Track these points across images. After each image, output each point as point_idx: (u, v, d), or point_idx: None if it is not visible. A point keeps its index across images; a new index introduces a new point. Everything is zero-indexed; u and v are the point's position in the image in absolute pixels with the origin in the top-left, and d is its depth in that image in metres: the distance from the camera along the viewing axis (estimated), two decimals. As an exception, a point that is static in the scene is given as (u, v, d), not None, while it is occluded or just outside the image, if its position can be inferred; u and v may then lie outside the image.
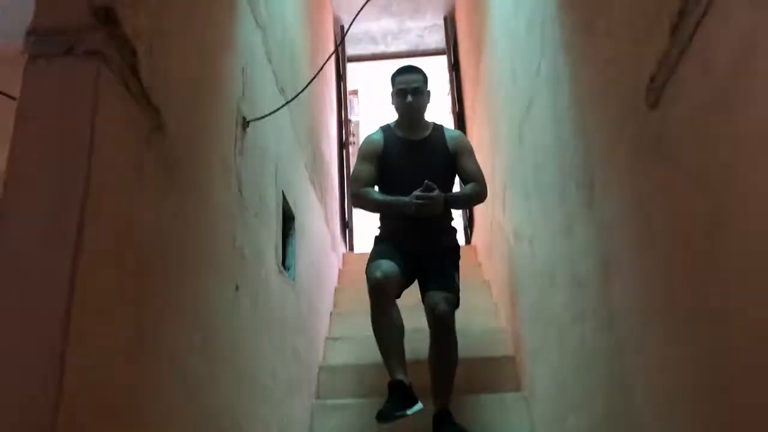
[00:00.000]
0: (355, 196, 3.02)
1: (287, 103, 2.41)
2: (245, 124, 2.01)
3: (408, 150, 3.01)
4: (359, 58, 6.08)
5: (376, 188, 3.00)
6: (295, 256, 2.84)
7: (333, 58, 5.33)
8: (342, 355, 3.59)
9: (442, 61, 6.10)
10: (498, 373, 3.29)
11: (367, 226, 6.95)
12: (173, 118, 1.40)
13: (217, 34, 1.83)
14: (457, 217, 7.38)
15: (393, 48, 5.92)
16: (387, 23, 5.62)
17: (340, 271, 4.66)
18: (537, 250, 2.56)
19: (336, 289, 4.32)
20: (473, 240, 5.12)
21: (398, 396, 2.56)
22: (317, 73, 2.37)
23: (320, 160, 4.00)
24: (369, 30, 5.70)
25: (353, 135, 5.65)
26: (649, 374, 1.44)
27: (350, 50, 5.92)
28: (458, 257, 3.05)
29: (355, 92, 8.51)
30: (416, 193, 2.74)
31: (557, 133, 2.12)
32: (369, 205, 2.98)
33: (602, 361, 1.78)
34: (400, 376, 2.61)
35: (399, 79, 3.03)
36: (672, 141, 1.23)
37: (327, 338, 3.69)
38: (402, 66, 3.13)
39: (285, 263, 2.76)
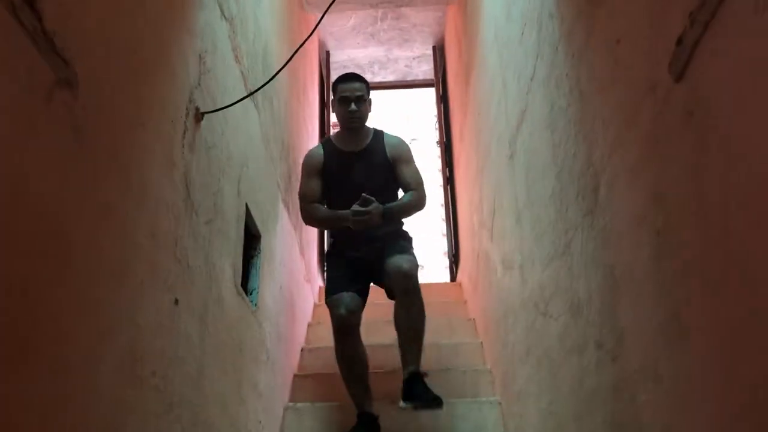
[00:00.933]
0: (302, 212, 3.04)
1: (250, 95, 2.16)
2: (199, 115, 1.76)
3: (348, 162, 2.99)
4: (345, 87, 5.89)
5: (325, 202, 3.01)
6: (260, 280, 2.55)
7: (317, 83, 5.13)
8: (311, 395, 3.28)
9: (431, 93, 5.93)
10: (482, 418, 2.99)
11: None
12: (92, 79, 1.14)
13: (166, 2, 1.59)
14: (441, 254, 7.15)
15: (380, 78, 5.73)
16: (374, 51, 5.44)
17: (315, 305, 4.36)
18: (528, 278, 2.30)
19: (310, 325, 4.01)
20: (458, 276, 4.85)
21: (365, 427, 2.70)
22: (288, 61, 2.12)
23: (297, 183, 3.73)
24: (355, 58, 5.52)
25: (335, 163, 5.40)
26: (670, 410, 1.16)
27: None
28: (411, 242, 3.04)
29: (340, 125, 8.37)
30: (354, 207, 2.75)
31: (554, 139, 1.88)
32: (314, 222, 3.08)
33: (606, 398, 1.50)
34: (368, 409, 2.75)
35: (342, 86, 3.00)
36: (705, 113, 0.99)
37: (296, 375, 3.37)
38: (344, 74, 3.12)
39: (247, 286, 2.47)
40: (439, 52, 5.44)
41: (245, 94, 2.31)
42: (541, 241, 2.09)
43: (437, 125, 5.81)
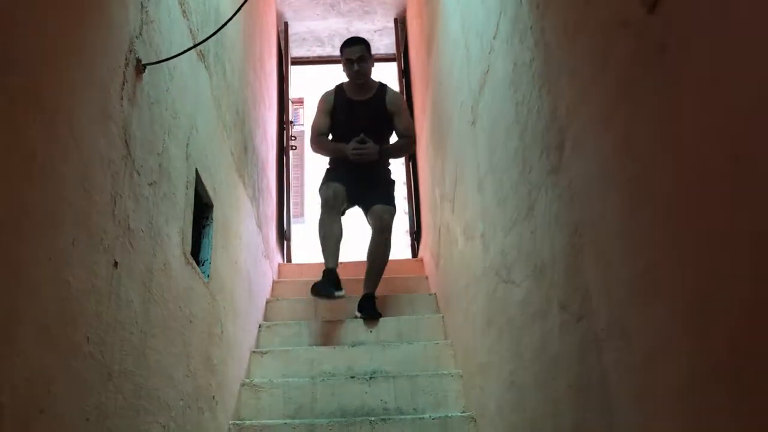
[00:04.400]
0: (311, 141, 3.90)
1: (196, 45, 2.03)
2: (140, 67, 1.63)
3: (352, 109, 3.81)
4: (304, 61, 5.73)
5: (330, 136, 3.88)
6: (212, 251, 2.44)
7: (275, 55, 4.98)
8: (269, 371, 3.19)
9: (393, 68, 5.82)
10: (443, 390, 2.93)
11: (306, 238, 6.56)
12: (10, 12, 1.02)
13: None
14: (403, 232, 7.08)
15: (340, 51, 5.58)
16: (334, 23, 5.30)
17: (274, 282, 4.26)
18: (490, 245, 2.23)
19: (268, 301, 3.91)
20: (420, 252, 4.79)
21: (330, 279, 3.47)
22: (243, 3, 1.98)
23: (253, 155, 3.61)
24: (315, 30, 5.37)
25: (294, 138, 5.26)
26: (639, 368, 1.10)
27: (295, 51, 5.57)
28: (394, 186, 3.87)
29: (300, 101, 8.14)
30: (352, 143, 3.63)
31: (516, 98, 1.81)
32: (321, 150, 3.88)
33: (571, 361, 1.44)
34: (332, 265, 3.52)
35: (346, 50, 3.80)
36: (681, 45, 0.91)
37: (253, 352, 3.27)
38: (348, 38, 3.94)
39: (198, 257, 2.36)
40: (401, 25, 5.34)
41: (194, 53, 2.19)
42: (503, 206, 2.02)
43: (399, 100, 5.70)
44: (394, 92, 3.98)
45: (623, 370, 1.16)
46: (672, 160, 0.96)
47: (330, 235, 3.59)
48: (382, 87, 3.90)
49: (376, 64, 6.21)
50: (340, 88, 3.93)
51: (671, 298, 0.98)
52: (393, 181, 3.90)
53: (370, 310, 3.53)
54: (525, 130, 1.75)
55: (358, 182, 3.69)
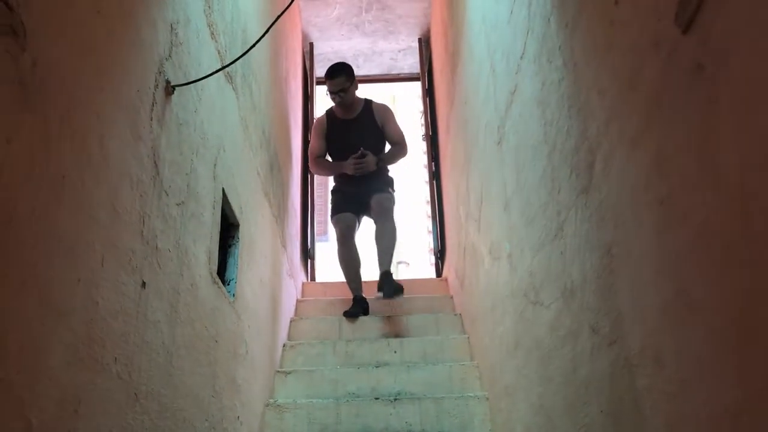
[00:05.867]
0: (310, 164, 4.29)
1: (225, 67, 2.05)
2: (170, 89, 1.65)
3: (346, 127, 4.17)
4: (329, 81, 5.75)
5: (328, 157, 4.23)
6: (238, 271, 2.44)
7: (301, 76, 5.02)
8: (293, 392, 3.18)
9: (417, 87, 5.83)
10: (469, 413, 2.89)
11: (330, 256, 6.58)
12: (42, 32, 1.03)
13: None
14: (427, 251, 7.07)
15: (365, 71, 5.62)
16: (359, 43, 5.33)
17: (298, 301, 4.25)
18: (517, 266, 2.20)
19: (292, 321, 3.91)
20: (444, 272, 4.76)
21: (360, 305, 3.89)
22: (272, 24, 1.99)
23: (279, 174, 3.63)
24: (339, 50, 5.41)
25: (319, 157, 5.27)
26: (674, 395, 1.07)
27: (320, 71, 5.60)
28: (393, 183, 4.20)
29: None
30: (351, 159, 3.99)
31: (545, 117, 1.79)
32: (321, 170, 4.31)
33: (602, 386, 1.41)
34: (359, 293, 3.95)
35: (328, 83, 4.12)
36: (718, 64, 0.90)
37: (277, 371, 3.26)
38: (328, 68, 4.18)
39: (224, 276, 2.36)
40: (425, 44, 5.35)
41: (222, 75, 2.20)
42: (531, 227, 2.00)
43: (422, 120, 5.71)
44: (380, 105, 4.31)
45: (657, 397, 1.13)
46: (706, 180, 0.94)
47: (351, 265, 3.99)
48: (368, 103, 4.25)
49: (400, 83, 6.29)
50: (330, 112, 4.27)
51: (707, 322, 0.95)
52: (392, 179, 4.21)
53: (390, 286, 3.75)
54: (553, 150, 1.73)
55: (361, 194, 4.02)
